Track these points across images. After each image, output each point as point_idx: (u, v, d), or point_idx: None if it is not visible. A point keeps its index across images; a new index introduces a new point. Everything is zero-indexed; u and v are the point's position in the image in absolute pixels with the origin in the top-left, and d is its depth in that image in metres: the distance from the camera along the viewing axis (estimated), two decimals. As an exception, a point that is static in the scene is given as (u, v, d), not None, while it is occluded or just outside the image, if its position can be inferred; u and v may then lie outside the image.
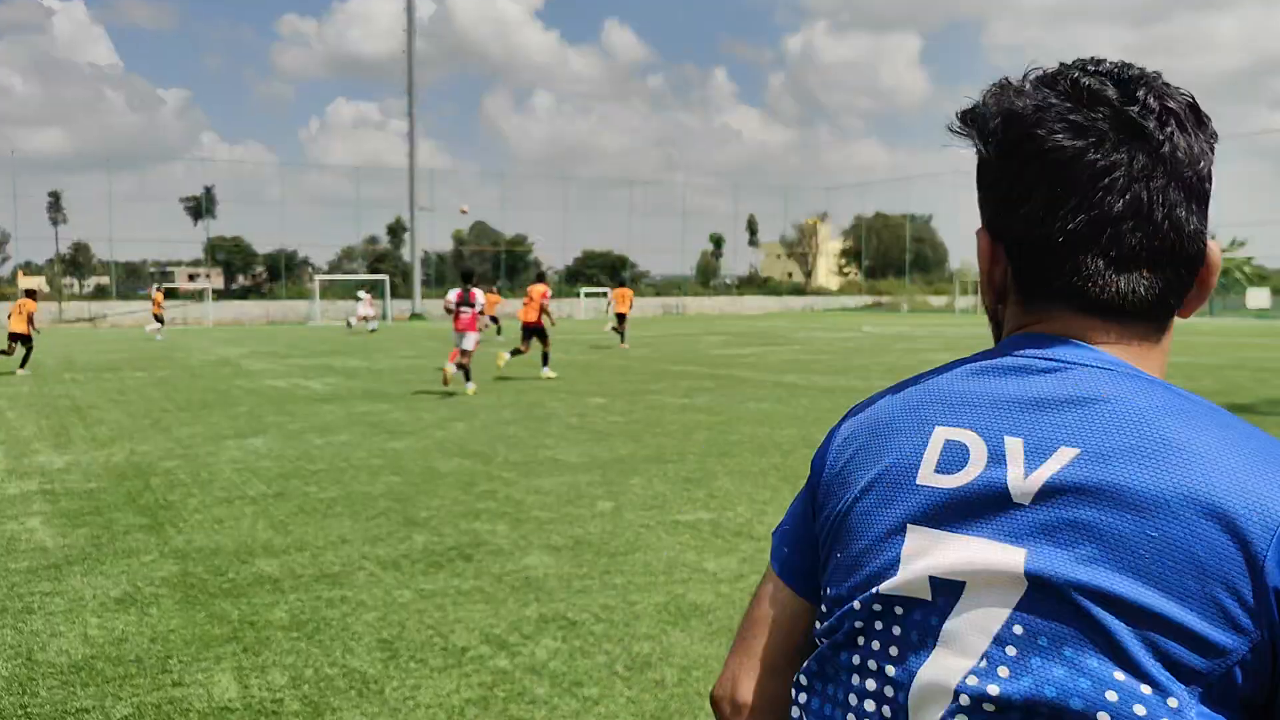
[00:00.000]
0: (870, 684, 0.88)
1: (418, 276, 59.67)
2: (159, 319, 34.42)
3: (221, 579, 5.37)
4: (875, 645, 0.88)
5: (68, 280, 64.55)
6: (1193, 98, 0.92)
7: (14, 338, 19.59)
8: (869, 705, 0.87)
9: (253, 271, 71.63)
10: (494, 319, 29.78)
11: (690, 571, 5.40)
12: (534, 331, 17.27)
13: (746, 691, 1.02)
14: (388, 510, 6.99)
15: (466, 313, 14.69)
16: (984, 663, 0.81)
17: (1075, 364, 0.89)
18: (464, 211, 52.60)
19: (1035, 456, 0.85)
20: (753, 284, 79.33)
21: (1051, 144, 0.88)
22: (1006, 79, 0.95)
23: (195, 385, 16.68)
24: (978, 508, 0.86)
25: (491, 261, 73.42)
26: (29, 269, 60.75)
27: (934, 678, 0.83)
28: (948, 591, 0.85)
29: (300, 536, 6.27)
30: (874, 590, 0.88)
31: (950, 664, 0.83)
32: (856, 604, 0.90)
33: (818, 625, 0.96)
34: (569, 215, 72.98)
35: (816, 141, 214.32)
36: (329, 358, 23.61)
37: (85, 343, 31.71)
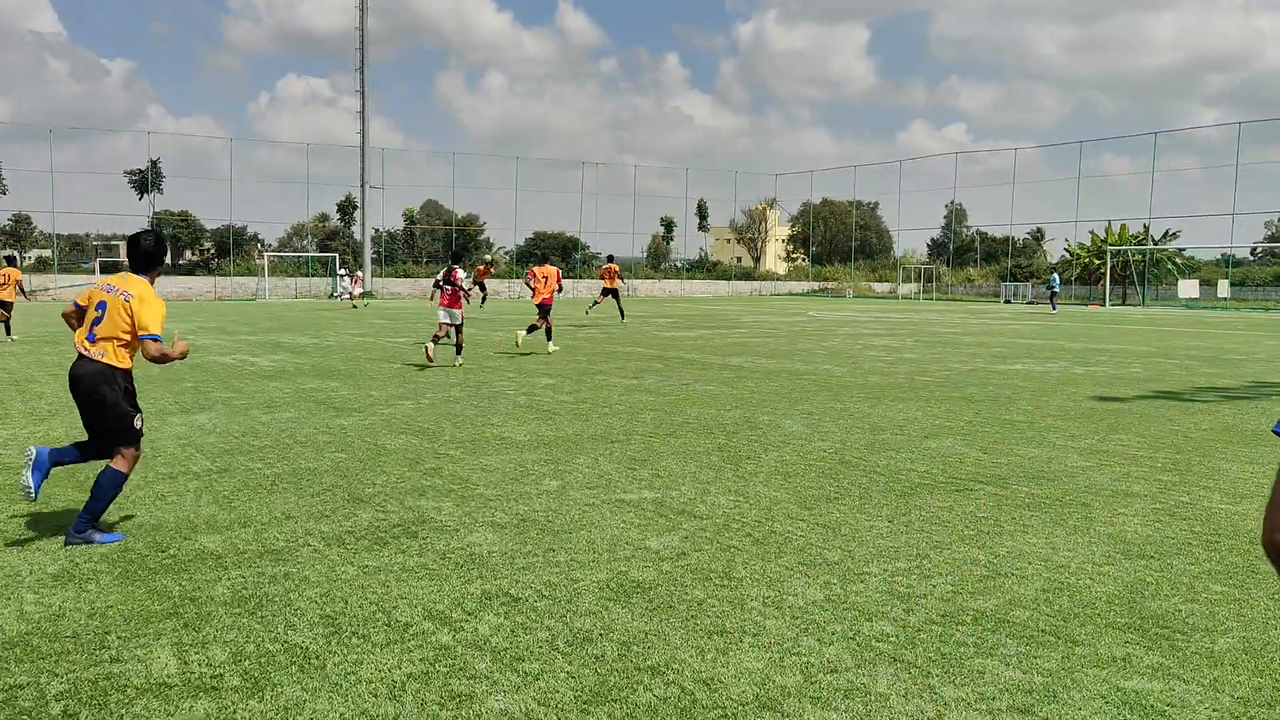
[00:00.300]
0: None
1: (368, 254, 58.99)
2: None
3: (163, 555, 5.34)
4: None
5: (7, 252, 62.70)
6: None
7: (4, 305, 20.41)
8: None
9: (200, 247, 70.25)
10: (481, 286, 30.66)
11: (633, 549, 5.48)
12: (547, 309, 18.48)
13: None
14: (333, 486, 6.98)
15: (448, 290, 16.02)
16: None
17: None
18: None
19: None
20: (702, 268, 79.46)
21: None
22: None
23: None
24: None
25: (442, 240, 72.71)
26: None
27: None
28: None
29: (244, 512, 6.24)
30: None
31: None
32: None
33: None
34: (520, 196, 72.33)
35: (766, 128, 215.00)
36: (277, 334, 23.31)
37: (24, 315, 30.92)
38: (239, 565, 5.17)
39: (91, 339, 5.74)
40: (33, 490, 5.57)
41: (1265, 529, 1.69)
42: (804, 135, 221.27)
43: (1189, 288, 56.28)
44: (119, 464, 5.75)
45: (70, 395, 5.95)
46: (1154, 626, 4.35)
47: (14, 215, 64.74)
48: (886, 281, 77.09)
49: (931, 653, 4.03)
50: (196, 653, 4.01)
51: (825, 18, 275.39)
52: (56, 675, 3.79)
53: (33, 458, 5.62)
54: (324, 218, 70.35)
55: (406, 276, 61.67)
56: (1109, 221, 62.61)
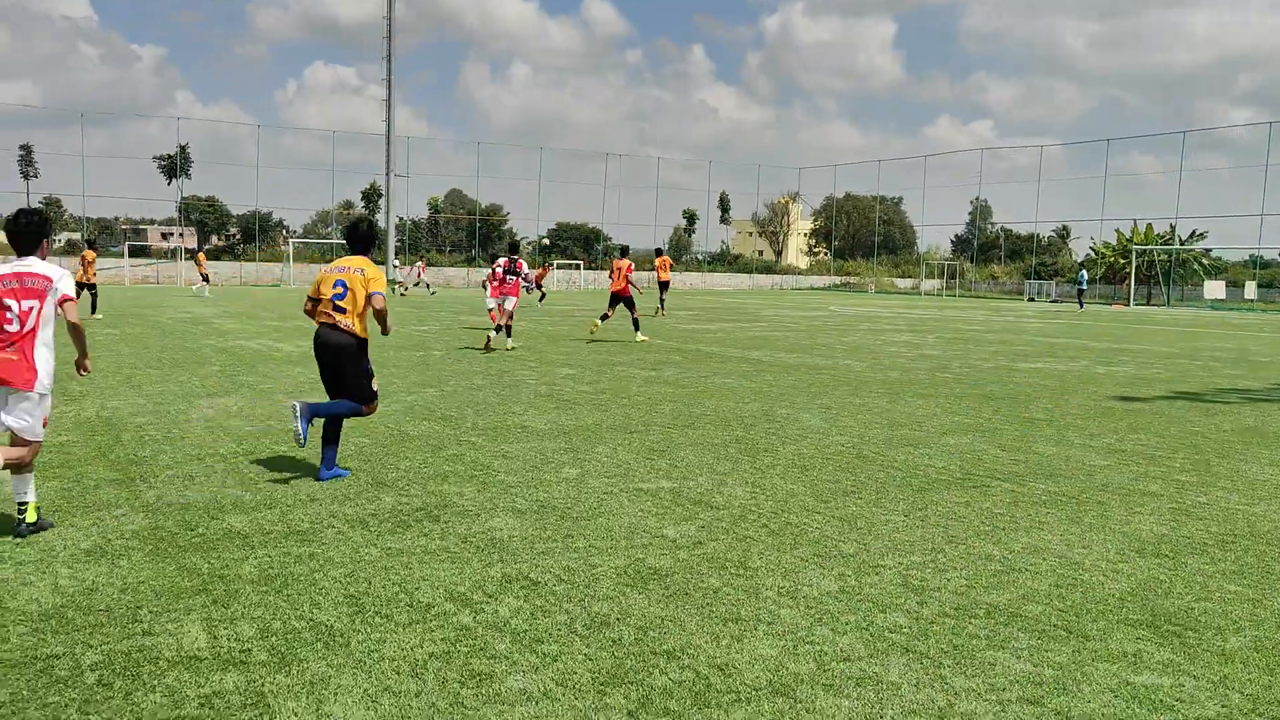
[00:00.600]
0: None
1: (392, 243, 59.28)
2: (205, 278, 39.33)
3: (192, 534, 5.46)
4: None
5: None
6: None
7: (85, 287, 22.47)
8: None
9: (226, 232, 70.86)
10: (539, 287, 31.38)
11: (650, 537, 5.56)
12: (621, 299, 19.42)
13: None
14: (356, 471, 7.09)
15: (511, 280, 17.11)
16: None
17: None
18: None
19: None
20: (723, 261, 79.40)
21: None
22: None
23: (167, 344, 16.62)
24: None
25: (466, 229, 72.97)
26: (-7, 222, 59.70)
27: None
28: None
29: (270, 494, 6.37)
30: None
31: None
32: None
33: None
34: (544, 186, 72.49)
35: (790, 121, 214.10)
36: (302, 320, 23.52)
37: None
38: (265, 545, 5.28)
39: (339, 312, 6.79)
40: (301, 437, 6.65)
41: None
42: (829, 128, 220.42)
43: (1215, 289, 55.74)
44: (363, 408, 6.97)
45: (316, 359, 7.11)
46: (1166, 623, 4.39)
47: (45, 198, 65.48)
48: (909, 277, 76.79)
49: (944, 644, 4.09)
50: (225, 628, 4.13)
51: (852, 10, 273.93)
52: (91, 646, 3.91)
53: (299, 411, 6.64)
54: (348, 205, 70.80)
55: (430, 266, 61.99)
56: (1135, 220, 62.16)
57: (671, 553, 5.29)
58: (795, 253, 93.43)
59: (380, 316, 6.90)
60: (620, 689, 3.61)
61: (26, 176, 60.45)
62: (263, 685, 3.59)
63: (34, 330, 5.28)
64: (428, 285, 47.44)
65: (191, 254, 49.08)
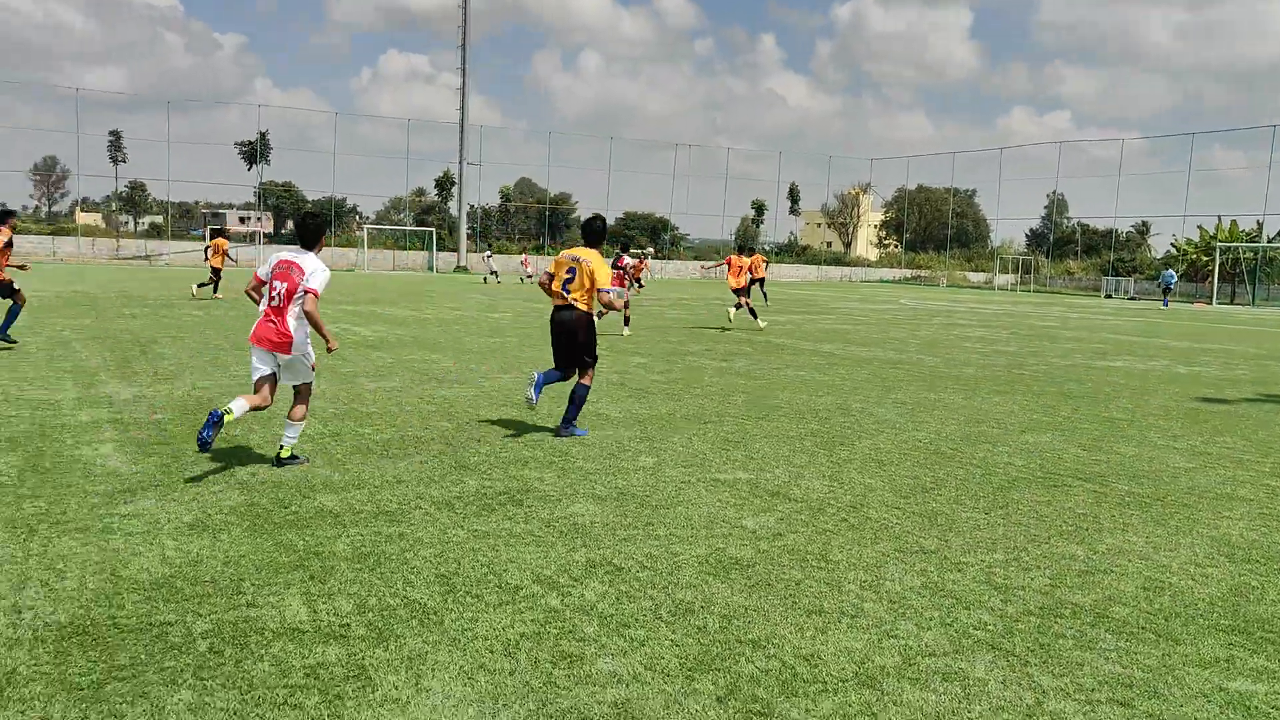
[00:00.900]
0: None
1: (463, 230, 60.01)
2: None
3: (286, 511, 5.66)
4: None
5: (123, 218, 65.64)
6: None
7: (213, 271, 24.30)
8: None
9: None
10: (638, 281, 31.97)
11: (730, 527, 5.62)
12: (742, 292, 20.85)
13: None
14: (440, 454, 7.26)
15: (616, 273, 18.33)
16: None
17: None
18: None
19: None
20: (791, 252, 78.86)
21: None
22: None
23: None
24: None
25: (535, 217, 73.53)
26: (85, 206, 61.77)
27: None
28: None
29: (358, 475, 6.56)
30: None
31: None
32: None
33: None
34: (612, 176, 72.66)
35: (861, 111, 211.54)
36: (375, 305, 23.99)
37: (141, 280, 32.36)
38: (356, 524, 5.46)
39: (567, 292, 7.95)
40: (534, 400, 8.02)
41: None
42: (901, 119, 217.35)
43: (1304, 288, 53.82)
44: (586, 380, 8.16)
45: (550, 333, 8.24)
46: (1259, 630, 4.32)
47: (131, 183, 67.60)
48: (982, 271, 75.46)
49: (1030, 643, 4.09)
50: (324, 603, 4.29)
51: (927, 0, 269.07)
52: (200, 615, 4.10)
53: (535, 381, 8.02)
54: (420, 192, 71.78)
55: (500, 254, 62.63)
56: (1219, 216, 60.28)
57: (752, 543, 5.34)
58: (865, 244, 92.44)
59: (609, 306, 8.02)
60: (708, 675, 3.68)
61: (115, 161, 62.39)
62: (363, 659, 3.73)
63: (285, 306, 6.54)
64: (494, 272, 47.74)
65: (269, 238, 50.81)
